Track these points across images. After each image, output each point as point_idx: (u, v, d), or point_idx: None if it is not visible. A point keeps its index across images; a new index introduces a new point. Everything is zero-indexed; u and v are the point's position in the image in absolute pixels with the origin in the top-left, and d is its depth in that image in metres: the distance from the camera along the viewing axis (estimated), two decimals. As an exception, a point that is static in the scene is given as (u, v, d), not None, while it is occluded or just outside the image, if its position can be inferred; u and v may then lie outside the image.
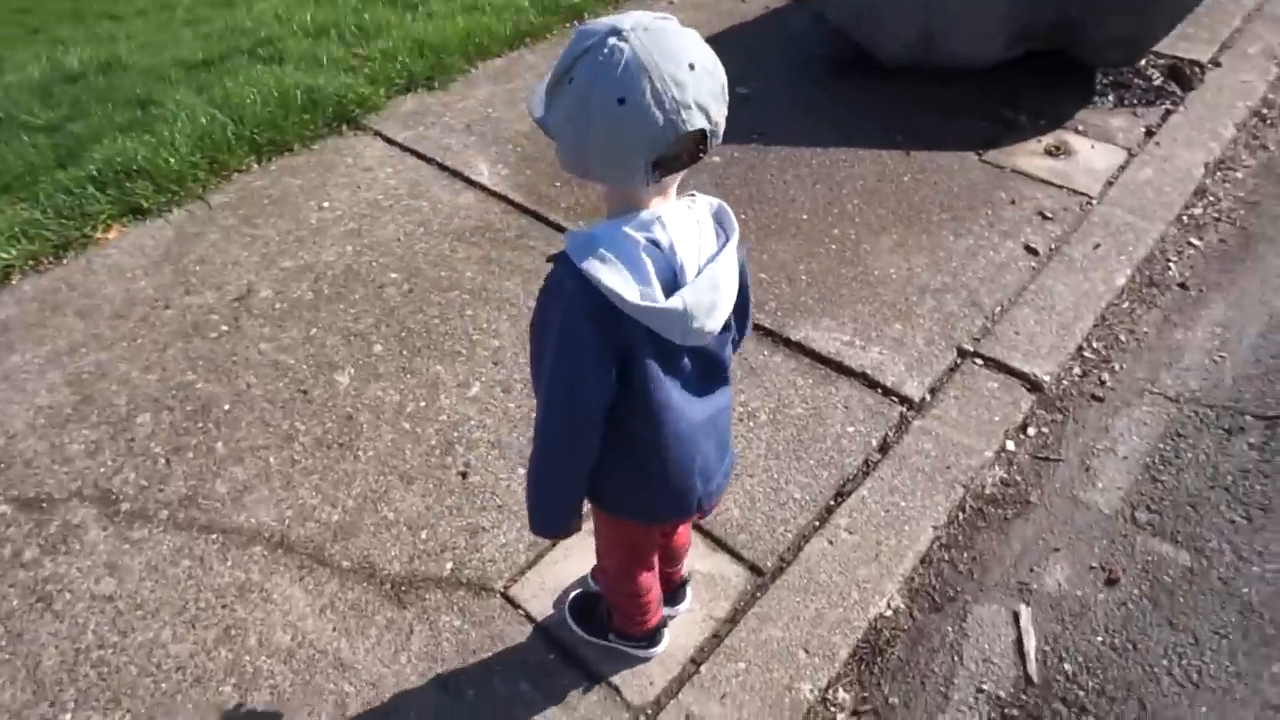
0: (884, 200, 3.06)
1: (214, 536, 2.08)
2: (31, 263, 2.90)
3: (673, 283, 1.13)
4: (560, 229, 2.97)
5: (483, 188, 3.19)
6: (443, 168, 3.32)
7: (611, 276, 1.08)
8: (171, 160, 3.23)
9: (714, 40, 4.35)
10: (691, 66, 1.00)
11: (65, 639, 1.89)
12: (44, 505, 2.16)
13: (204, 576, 1.99)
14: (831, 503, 2.08)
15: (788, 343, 2.50)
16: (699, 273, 1.14)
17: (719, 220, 1.20)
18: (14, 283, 2.84)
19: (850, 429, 2.25)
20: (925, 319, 2.56)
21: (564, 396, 1.19)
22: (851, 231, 2.92)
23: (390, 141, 3.48)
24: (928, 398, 2.32)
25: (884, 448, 2.20)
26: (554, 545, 2.01)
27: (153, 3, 6.96)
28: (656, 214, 1.11)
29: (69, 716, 1.75)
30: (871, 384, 2.36)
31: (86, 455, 2.28)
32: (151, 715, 1.75)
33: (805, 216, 2.99)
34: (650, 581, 1.64)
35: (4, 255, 2.85)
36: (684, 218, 1.15)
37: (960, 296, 2.64)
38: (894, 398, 2.33)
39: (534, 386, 1.27)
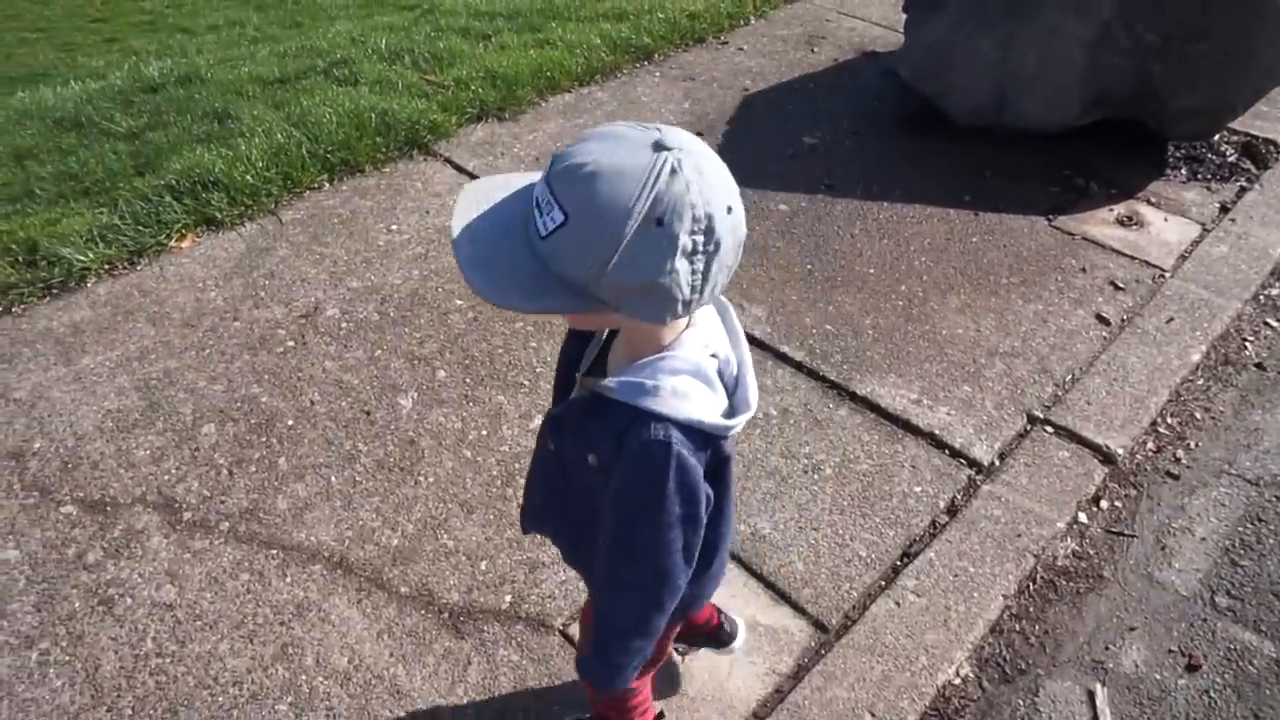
0: (952, 259, 3.05)
1: (274, 552, 2.08)
2: (107, 267, 2.96)
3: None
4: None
5: (550, 220, 3.21)
6: (510, 198, 3.34)
7: (701, 408, 1.00)
8: (247, 174, 3.30)
9: (782, 89, 4.40)
10: None
11: (125, 645, 1.89)
12: (108, 508, 2.17)
13: (263, 592, 1.99)
14: (898, 563, 2.05)
15: (854, 397, 2.47)
16: (738, 364, 1.09)
17: None
18: (89, 285, 2.89)
19: (917, 489, 2.22)
20: (994, 382, 2.53)
21: (682, 563, 1.08)
22: (919, 289, 2.91)
23: (460, 169, 3.53)
24: (997, 462, 2.29)
25: (952, 510, 2.16)
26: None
27: (224, 19, 7.19)
28: (701, 325, 1.05)
29: (124, 725, 1.75)
30: (939, 444, 2.33)
31: (151, 461, 2.29)
32: (207, 730, 1.74)
33: (872, 271, 2.98)
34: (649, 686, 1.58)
35: (81, 258, 2.91)
36: (710, 315, 1.09)
37: (1030, 362, 2.61)
38: (962, 460, 2.29)
39: (617, 565, 1.11)
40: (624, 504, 1.05)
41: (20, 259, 2.94)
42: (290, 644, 1.89)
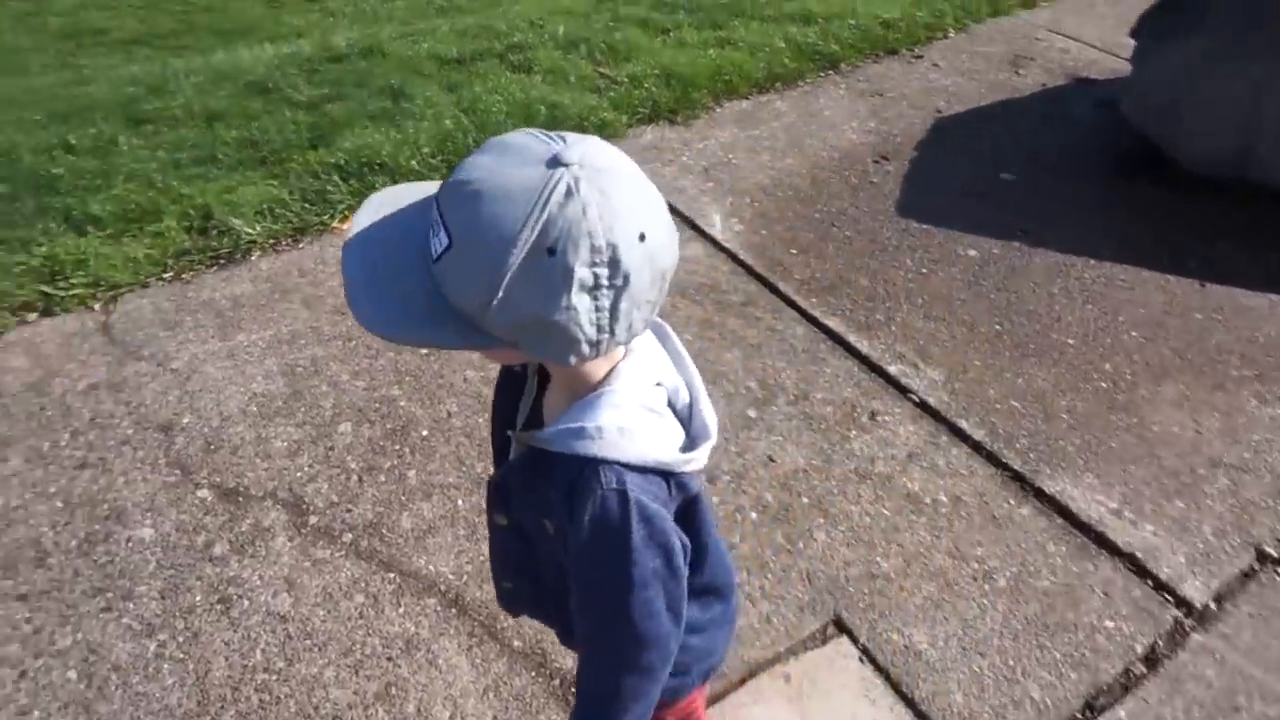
0: (1169, 338, 2.64)
1: (391, 575, 1.99)
2: (271, 241, 2.98)
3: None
4: (791, 303, 2.75)
5: (713, 241, 3.02)
6: (673, 210, 3.17)
7: (653, 445, 0.88)
8: (412, 160, 3.26)
9: (979, 114, 3.98)
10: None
11: (236, 652, 1.84)
12: (240, 499, 2.15)
13: (375, 619, 1.91)
14: (1078, 716, 1.74)
15: (1040, 494, 2.16)
16: (689, 390, 0.97)
17: None
18: (253, 259, 2.92)
19: (1109, 624, 1.89)
20: (1215, 501, 2.15)
21: (669, 624, 0.92)
22: (1127, 370, 2.53)
23: (625, 173, 3.37)
24: (1213, 606, 1.93)
25: (1151, 660, 1.83)
26: (742, 684, 1.79)
27: (416, -16, 7.32)
28: (640, 353, 0.93)
29: (224, 741, 1.70)
30: (1141, 571, 1.99)
31: (287, 455, 2.26)
32: (302, 768, 1.66)
33: (1071, 341, 2.62)
34: None
35: (249, 231, 2.94)
36: (650, 342, 0.97)
37: (1263, 481, 2.20)
38: (1168, 596, 1.94)
39: (595, 635, 0.96)
40: (588, 567, 0.91)
41: (194, 226, 3.00)
42: (394, 683, 1.80)
